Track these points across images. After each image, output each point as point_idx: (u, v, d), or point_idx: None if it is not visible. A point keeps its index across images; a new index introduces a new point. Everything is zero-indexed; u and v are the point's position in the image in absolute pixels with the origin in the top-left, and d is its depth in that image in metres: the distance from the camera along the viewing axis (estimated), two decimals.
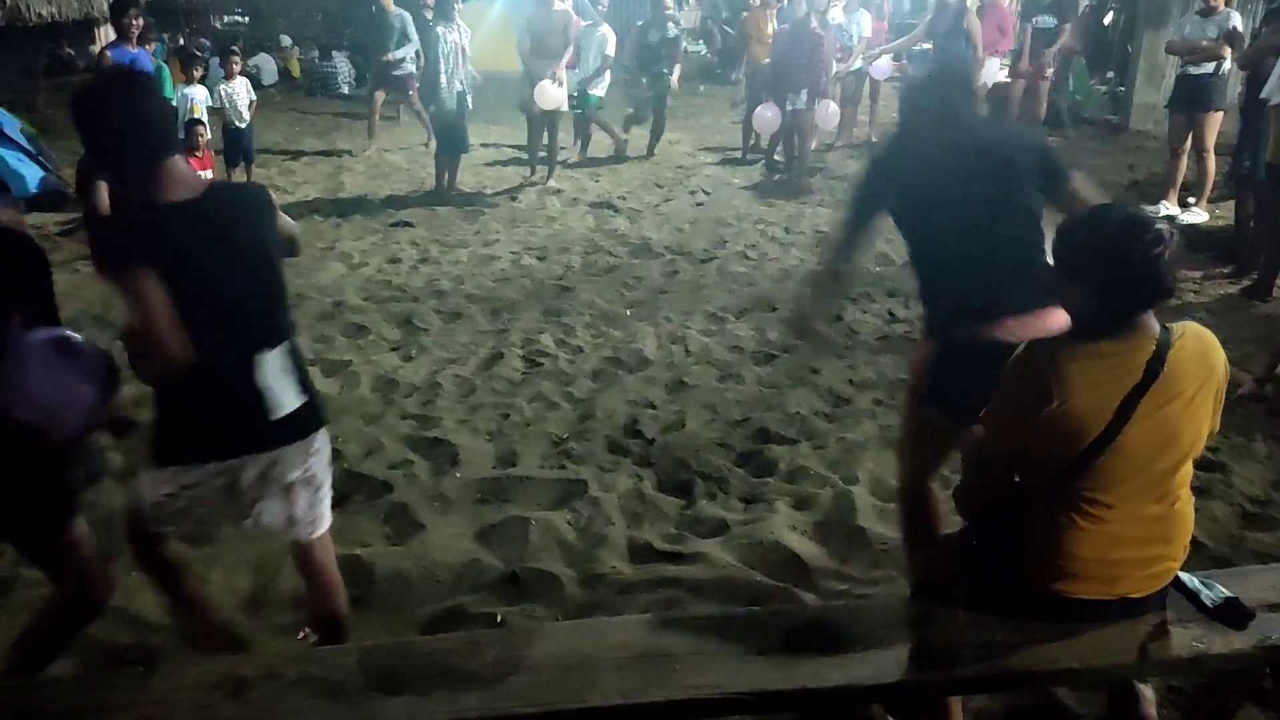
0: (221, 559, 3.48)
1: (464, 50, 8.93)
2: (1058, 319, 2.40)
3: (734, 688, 2.13)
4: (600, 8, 10.48)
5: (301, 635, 3.10)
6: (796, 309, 3.56)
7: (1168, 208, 8.08)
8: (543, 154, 9.90)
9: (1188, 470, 2.24)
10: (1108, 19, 13.29)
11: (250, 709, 2.07)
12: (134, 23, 7.59)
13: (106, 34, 13.25)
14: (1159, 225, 2.08)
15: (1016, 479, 2.31)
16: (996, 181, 2.70)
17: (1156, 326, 2.16)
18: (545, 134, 9.75)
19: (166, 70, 8.80)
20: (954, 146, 2.75)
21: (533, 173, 9.99)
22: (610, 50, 10.20)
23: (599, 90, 10.37)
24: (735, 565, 3.47)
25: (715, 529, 3.73)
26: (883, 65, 11.07)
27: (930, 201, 2.73)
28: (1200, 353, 2.19)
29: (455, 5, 8.99)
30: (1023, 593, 2.28)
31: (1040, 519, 2.22)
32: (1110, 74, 12.83)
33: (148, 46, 7.55)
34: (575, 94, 10.07)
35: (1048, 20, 10.78)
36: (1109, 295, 2.12)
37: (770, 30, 10.60)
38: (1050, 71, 11.00)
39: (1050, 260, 2.23)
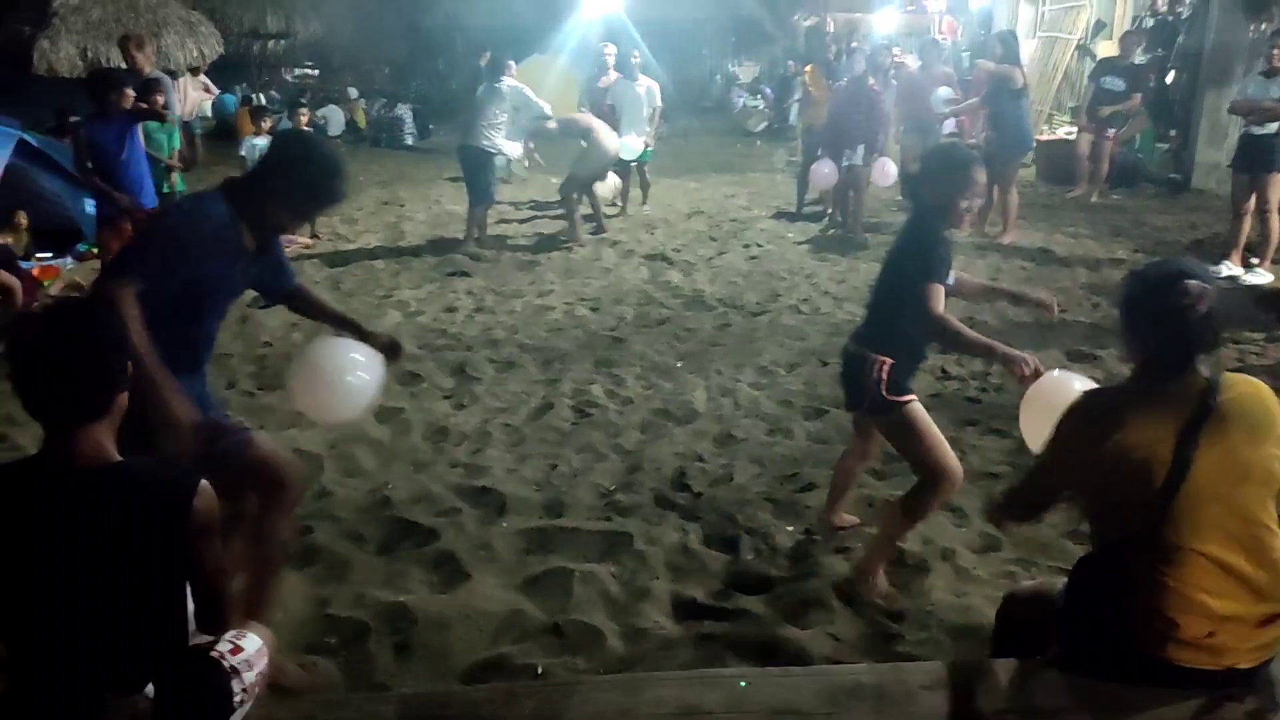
0: None
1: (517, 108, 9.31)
2: None
3: None
4: (634, 61, 10.67)
5: None
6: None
7: (1230, 268, 7.95)
8: (587, 210, 10.02)
9: (1273, 518, 2.22)
10: (1169, 78, 13.19)
11: None
12: None
13: (185, 86, 13.76)
14: (1193, 283, 2.21)
15: (1100, 536, 2.35)
16: None
17: (1206, 371, 2.28)
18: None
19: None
20: None
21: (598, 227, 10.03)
22: (659, 101, 10.73)
23: (650, 143, 10.71)
24: (779, 623, 3.45)
25: (760, 585, 3.71)
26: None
27: None
28: (1256, 394, 2.26)
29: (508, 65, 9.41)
30: (1128, 657, 2.25)
31: (1137, 579, 2.21)
32: (1173, 132, 12.71)
33: None
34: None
35: (1116, 82, 10.74)
36: (1152, 346, 2.32)
37: (826, 87, 10.66)
38: (1112, 132, 10.95)
39: None
